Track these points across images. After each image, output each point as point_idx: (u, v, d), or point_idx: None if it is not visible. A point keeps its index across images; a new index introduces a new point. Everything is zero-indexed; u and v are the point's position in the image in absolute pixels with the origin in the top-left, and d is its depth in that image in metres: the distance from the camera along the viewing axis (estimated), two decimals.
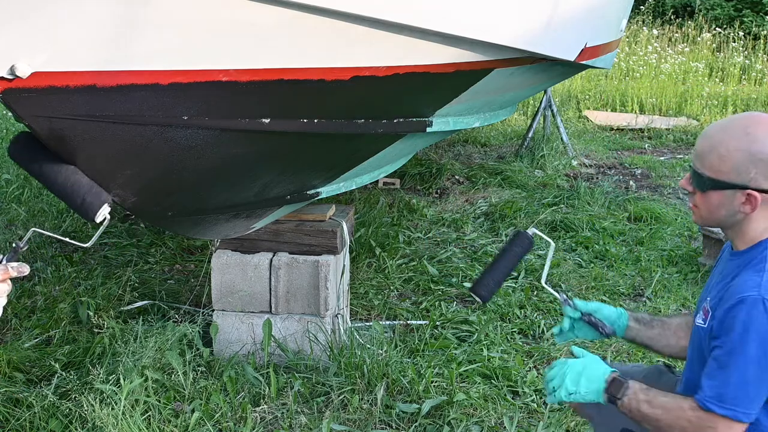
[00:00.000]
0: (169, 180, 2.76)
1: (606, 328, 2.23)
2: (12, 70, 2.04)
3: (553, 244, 2.32)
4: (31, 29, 2.04)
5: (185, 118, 2.53)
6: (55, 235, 2.06)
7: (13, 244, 1.72)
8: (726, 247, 2.09)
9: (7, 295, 1.68)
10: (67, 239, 2.10)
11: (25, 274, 1.67)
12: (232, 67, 2.49)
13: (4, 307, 1.71)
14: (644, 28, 15.02)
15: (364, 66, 2.82)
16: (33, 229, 1.82)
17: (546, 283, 2.33)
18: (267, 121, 2.79)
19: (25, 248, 1.74)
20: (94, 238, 2.17)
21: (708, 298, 1.95)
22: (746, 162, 1.79)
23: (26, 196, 6.36)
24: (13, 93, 2.10)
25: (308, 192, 3.65)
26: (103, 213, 2.31)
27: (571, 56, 4.17)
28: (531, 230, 2.31)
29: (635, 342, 2.29)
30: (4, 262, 1.67)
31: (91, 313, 4.00)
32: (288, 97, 2.76)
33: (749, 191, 1.81)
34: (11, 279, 1.68)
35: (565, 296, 2.28)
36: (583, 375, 1.99)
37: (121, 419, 3.04)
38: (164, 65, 2.35)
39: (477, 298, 2.30)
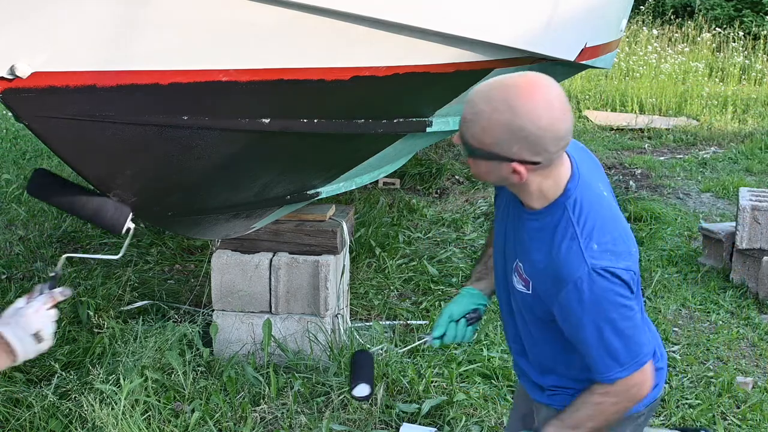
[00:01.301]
0: (169, 180, 2.76)
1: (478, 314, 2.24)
2: (12, 70, 2.04)
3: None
4: (31, 29, 2.04)
5: (185, 118, 2.53)
6: (88, 255, 2.18)
7: (51, 274, 1.85)
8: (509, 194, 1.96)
9: (55, 321, 1.79)
10: (99, 256, 2.23)
11: (69, 296, 1.80)
12: (232, 67, 2.49)
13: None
14: (644, 28, 15.01)
15: (364, 66, 2.82)
16: (65, 255, 1.92)
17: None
18: (267, 121, 2.79)
19: (61, 274, 1.85)
20: (123, 249, 2.34)
21: (518, 261, 1.90)
22: (509, 137, 1.70)
23: (26, 196, 6.35)
24: (13, 93, 2.10)
25: (308, 192, 3.65)
26: (128, 224, 2.50)
27: (571, 56, 4.18)
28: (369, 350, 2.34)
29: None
30: (46, 291, 1.78)
31: (91, 313, 4.00)
32: (288, 97, 2.76)
33: (514, 164, 1.74)
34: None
35: (426, 337, 2.28)
36: None
37: (121, 419, 3.04)
38: (164, 65, 2.35)
39: (364, 395, 2.23)
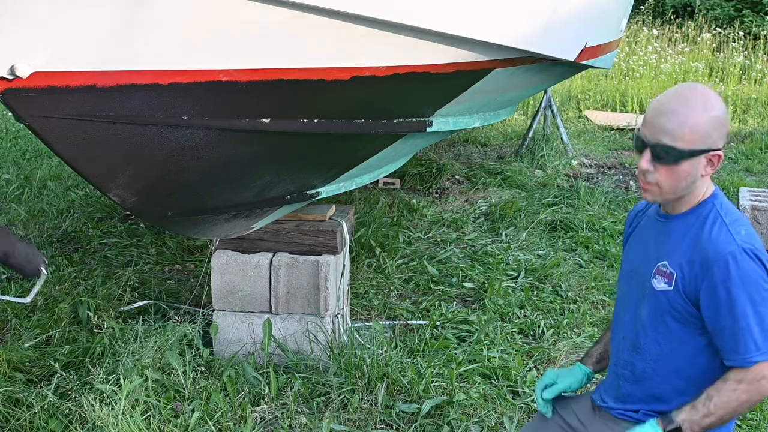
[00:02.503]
0: (169, 180, 2.77)
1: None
2: (12, 70, 2.04)
3: None
4: (31, 29, 2.04)
5: (185, 118, 2.54)
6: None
7: None
8: (634, 214, 2.28)
9: None
10: (7, 297, 2.35)
11: None
12: (232, 67, 2.49)
13: None
14: (644, 28, 15.01)
15: (364, 66, 2.83)
16: None
17: None
18: (267, 121, 2.79)
19: None
20: (32, 293, 2.46)
21: (660, 262, 2.05)
22: (711, 127, 1.95)
23: (26, 196, 6.37)
24: (13, 93, 2.11)
25: (308, 192, 3.65)
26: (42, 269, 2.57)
27: (571, 56, 4.18)
28: None
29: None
30: None
31: (91, 313, 4.00)
32: (288, 97, 2.76)
33: (713, 153, 1.96)
34: None
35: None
36: None
37: (121, 419, 3.04)
38: (164, 65, 2.35)
39: None
